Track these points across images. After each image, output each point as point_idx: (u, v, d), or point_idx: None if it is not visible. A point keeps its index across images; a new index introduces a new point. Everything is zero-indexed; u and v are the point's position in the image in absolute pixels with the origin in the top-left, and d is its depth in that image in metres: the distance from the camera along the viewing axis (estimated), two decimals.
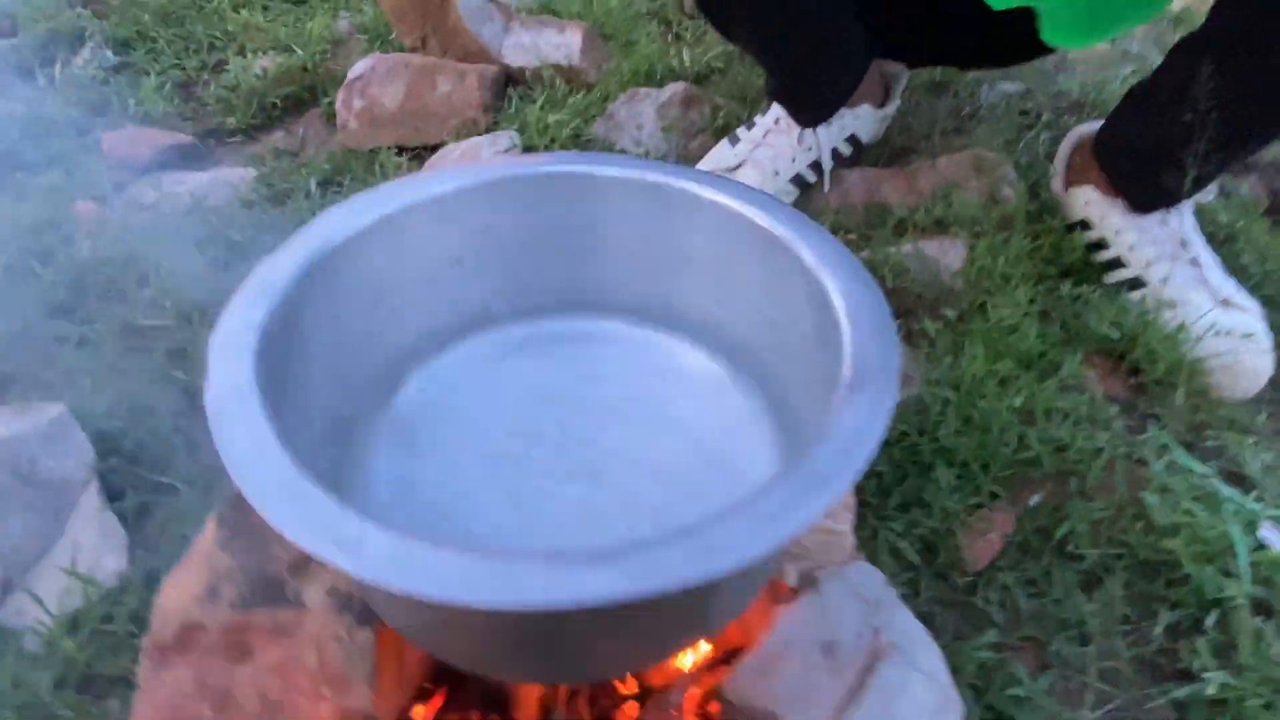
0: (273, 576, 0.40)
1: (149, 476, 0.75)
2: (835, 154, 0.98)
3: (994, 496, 0.77)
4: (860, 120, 0.97)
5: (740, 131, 1.00)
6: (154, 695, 0.39)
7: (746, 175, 0.94)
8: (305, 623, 0.38)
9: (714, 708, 0.40)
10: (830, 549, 0.45)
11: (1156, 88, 0.83)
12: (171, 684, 0.39)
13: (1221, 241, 1.01)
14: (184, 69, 1.37)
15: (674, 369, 0.48)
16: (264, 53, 1.37)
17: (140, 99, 1.29)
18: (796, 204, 1.01)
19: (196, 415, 0.82)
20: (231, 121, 1.26)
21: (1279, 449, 0.82)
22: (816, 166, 0.97)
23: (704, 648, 0.49)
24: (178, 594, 0.40)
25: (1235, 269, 0.95)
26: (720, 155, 0.98)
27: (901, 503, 0.76)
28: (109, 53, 1.39)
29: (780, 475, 0.29)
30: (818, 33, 0.84)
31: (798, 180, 0.97)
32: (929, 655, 0.43)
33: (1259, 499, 0.76)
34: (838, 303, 0.36)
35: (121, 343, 0.88)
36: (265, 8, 1.49)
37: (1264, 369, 0.83)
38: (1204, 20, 0.77)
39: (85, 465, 0.71)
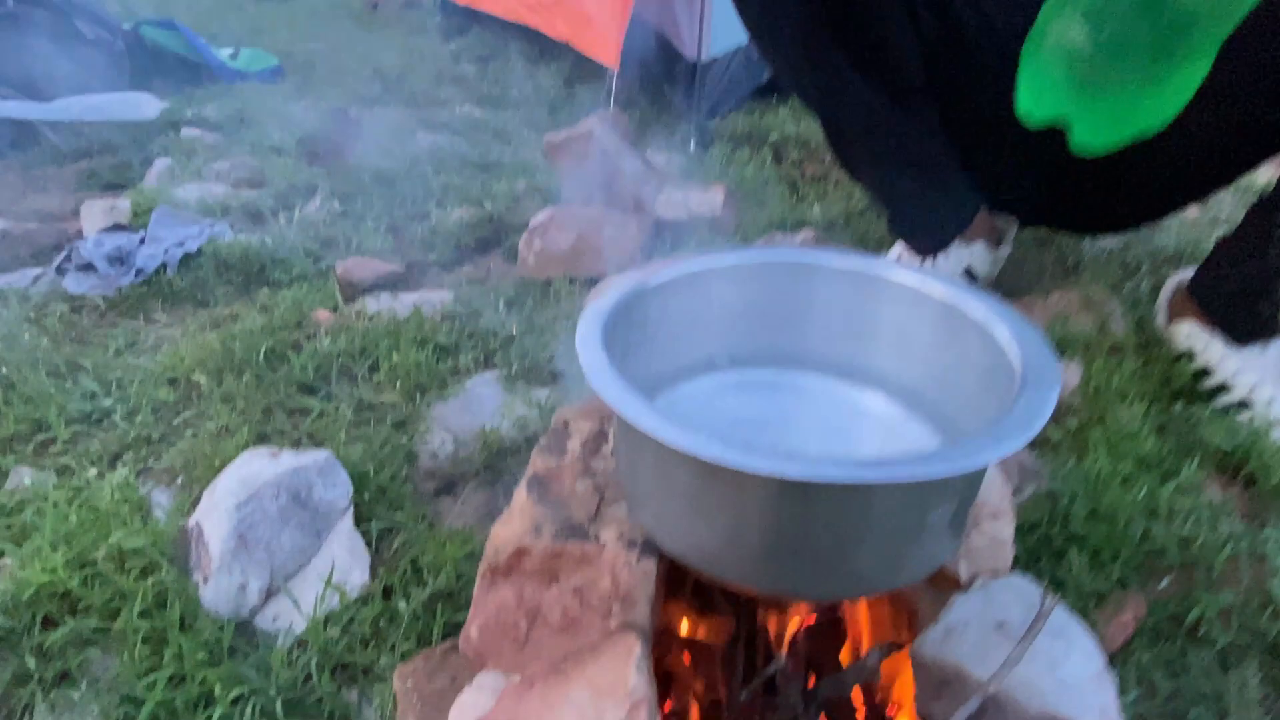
0: (577, 523, 0.53)
1: (387, 512, 0.91)
2: None
3: (1123, 584, 0.84)
4: (975, 255, 1.13)
5: None
6: (484, 608, 0.52)
7: None
8: (603, 555, 0.51)
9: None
10: (995, 554, 0.55)
11: (1241, 238, 0.96)
12: (498, 600, 0.52)
13: None
14: (392, 215, 1.67)
15: (858, 409, 0.62)
16: (459, 205, 1.66)
17: (360, 237, 1.57)
18: None
19: (416, 470, 0.99)
20: (432, 256, 1.52)
21: None
22: None
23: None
24: (508, 532, 0.54)
25: None
26: None
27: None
28: (336, 202, 1.71)
29: (982, 430, 0.42)
30: (926, 181, 1.04)
31: None
32: (1085, 640, 0.52)
33: None
34: (1005, 342, 0.50)
35: (357, 414, 1.07)
36: (460, 172, 1.81)
37: None
38: (1275, 186, 0.92)
39: (345, 495, 0.88)
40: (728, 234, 1.46)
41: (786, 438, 0.61)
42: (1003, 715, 0.45)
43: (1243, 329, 0.97)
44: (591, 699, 0.44)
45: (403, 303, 1.34)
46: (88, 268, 1.43)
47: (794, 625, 0.59)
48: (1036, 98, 0.57)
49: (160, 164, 1.91)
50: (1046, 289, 1.21)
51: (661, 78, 2.00)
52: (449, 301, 1.36)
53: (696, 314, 0.62)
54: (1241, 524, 0.88)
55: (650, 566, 0.50)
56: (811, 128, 1.90)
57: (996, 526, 0.56)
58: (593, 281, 1.41)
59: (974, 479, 0.44)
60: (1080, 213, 1.13)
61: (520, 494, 0.56)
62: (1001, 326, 0.51)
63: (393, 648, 0.77)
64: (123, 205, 1.67)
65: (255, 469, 0.85)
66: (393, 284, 1.43)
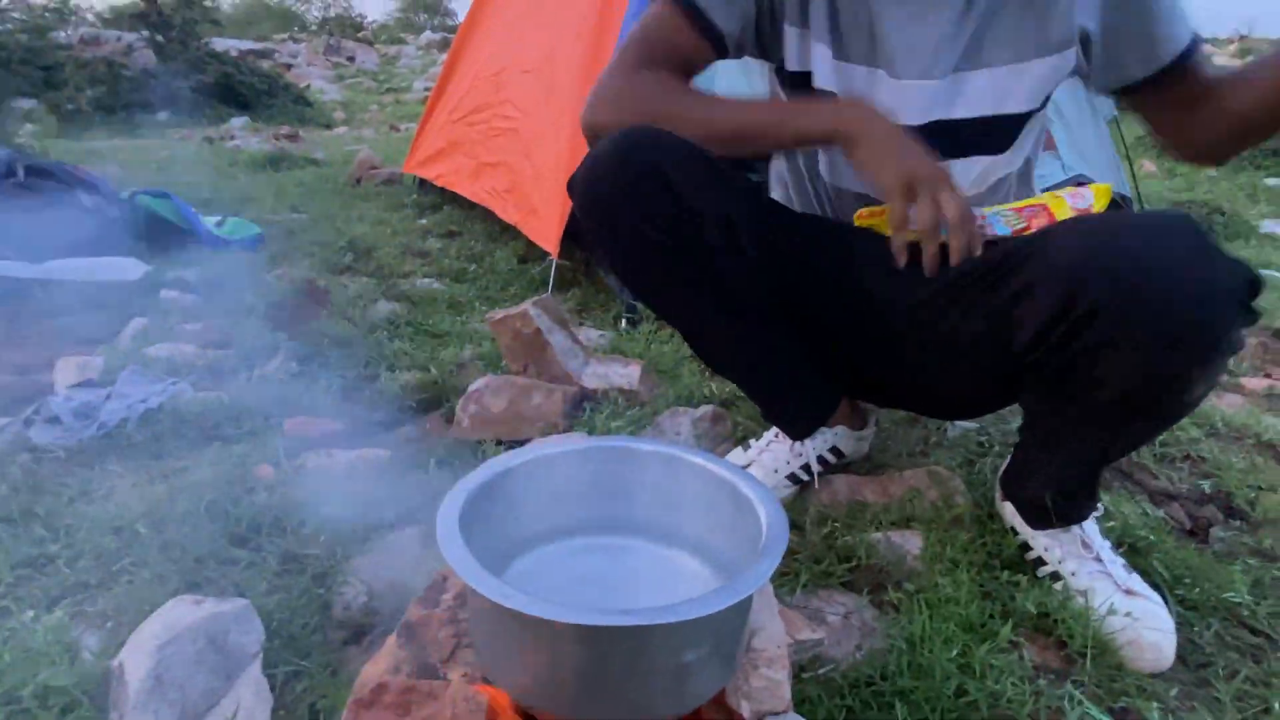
0: (431, 664, 0.65)
1: (295, 658, 1.00)
2: (822, 460, 1.30)
3: None
4: (839, 438, 1.31)
5: (752, 441, 1.35)
6: None
7: (754, 472, 1.26)
8: (447, 691, 0.63)
9: None
10: (773, 694, 0.68)
11: (1020, 449, 1.15)
12: None
13: (1142, 551, 1.25)
14: (345, 378, 1.84)
15: (676, 568, 0.76)
16: (407, 370, 1.84)
17: (312, 396, 1.73)
18: (793, 498, 1.32)
19: (328, 619, 1.09)
20: (378, 416, 1.67)
21: (1183, 716, 0.99)
22: (808, 469, 1.30)
23: None
24: (374, 670, 0.65)
25: (1147, 573, 1.19)
26: (735, 457, 1.31)
27: None
28: (294, 363, 1.88)
29: (725, 584, 0.57)
30: (783, 382, 1.19)
31: (793, 478, 1.29)
32: None
33: None
34: (763, 518, 0.66)
35: (282, 565, 1.19)
36: (412, 339, 2.00)
37: (1165, 646, 1.03)
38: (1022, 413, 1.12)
39: (257, 642, 0.98)
40: (640, 405, 1.64)
41: (619, 593, 0.75)
42: None
43: (1037, 520, 1.14)
44: None
45: (340, 460, 1.48)
46: (54, 420, 1.57)
47: None
48: None
49: (136, 323, 2.08)
50: (904, 465, 1.39)
51: (597, 261, 2.27)
52: (385, 459, 1.50)
53: (552, 490, 0.78)
54: (1046, 681, 1.01)
55: (483, 700, 0.62)
56: None
57: (772, 672, 0.69)
58: (518, 443, 1.57)
59: (718, 627, 0.58)
60: (922, 401, 1.32)
61: (391, 639, 0.69)
62: (762, 505, 0.67)
63: None
64: (96, 362, 1.82)
65: (179, 615, 0.96)
66: (335, 441, 1.57)
